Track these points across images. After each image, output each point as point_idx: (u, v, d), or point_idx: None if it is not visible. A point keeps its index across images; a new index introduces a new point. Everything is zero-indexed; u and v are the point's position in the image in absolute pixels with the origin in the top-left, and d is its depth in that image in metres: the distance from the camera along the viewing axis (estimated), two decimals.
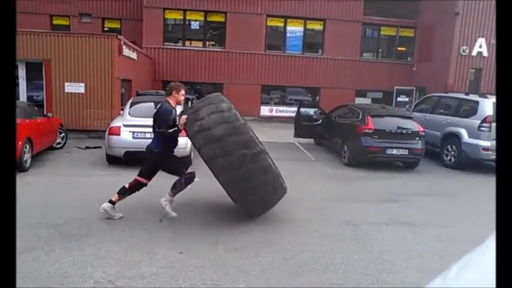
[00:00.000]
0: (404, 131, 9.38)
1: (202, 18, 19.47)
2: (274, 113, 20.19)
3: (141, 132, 8.10)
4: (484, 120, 9.56)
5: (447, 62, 17.81)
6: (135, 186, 5.27)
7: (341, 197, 6.94)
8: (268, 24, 19.77)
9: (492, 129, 9.46)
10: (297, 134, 12.06)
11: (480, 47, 17.72)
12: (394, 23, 20.61)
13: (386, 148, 9.19)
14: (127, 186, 5.26)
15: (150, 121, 8.11)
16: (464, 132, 9.92)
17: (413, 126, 9.57)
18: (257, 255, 4.27)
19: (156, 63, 18.94)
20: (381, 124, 9.35)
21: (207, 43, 19.95)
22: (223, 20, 19.35)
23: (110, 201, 5.17)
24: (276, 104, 20.53)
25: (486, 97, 10.12)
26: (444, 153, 10.48)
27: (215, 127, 4.73)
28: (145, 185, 5.34)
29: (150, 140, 5.52)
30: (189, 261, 4.02)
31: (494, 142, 9.47)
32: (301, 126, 11.94)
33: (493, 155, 9.63)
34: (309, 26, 20.13)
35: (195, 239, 4.61)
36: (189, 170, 5.40)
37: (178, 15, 19.37)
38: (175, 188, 5.28)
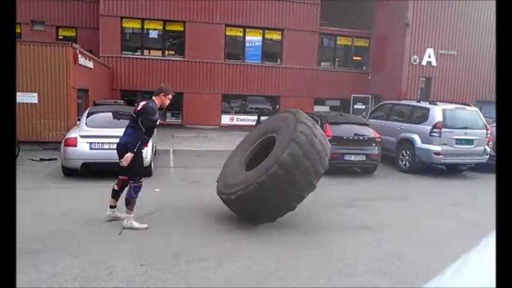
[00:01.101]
0: (361, 138, 9.68)
1: (161, 27, 19.30)
2: (235, 122, 20.24)
3: (99, 143, 7.88)
4: (434, 126, 10.03)
5: (400, 71, 18.59)
6: (124, 185, 5.41)
7: (302, 203, 7.03)
8: (227, 33, 19.88)
9: (442, 134, 9.95)
10: None
11: (429, 57, 18.66)
12: (349, 34, 21.28)
13: (345, 154, 9.43)
14: (116, 188, 5.45)
15: (108, 131, 8.02)
16: (417, 138, 10.35)
17: (369, 132, 9.89)
18: (220, 264, 4.26)
19: (114, 72, 18.55)
20: (339, 131, 9.60)
21: (166, 52, 19.78)
22: (182, 29, 19.25)
23: (111, 207, 5.46)
24: (237, 113, 20.59)
25: (436, 104, 10.65)
26: (399, 158, 10.89)
27: (318, 141, 5.34)
28: None
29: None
30: (150, 273, 3.95)
31: (444, 147, 9.97)
32: None
33: (443, 159, 10.14)
34: (267, 36, 20.42)
35: (156, 251, 4.53)
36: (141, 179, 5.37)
37: (136, 24, 19.10)
38: (130, 204, 5.24)
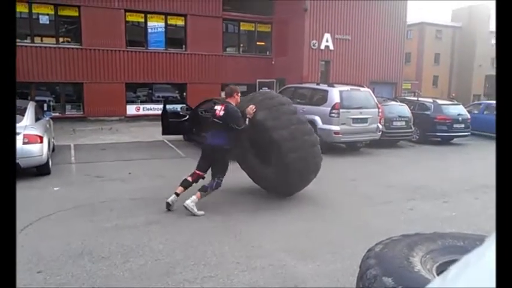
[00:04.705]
0: None
1: (53, 12, 17.74)
2: (141, 112, 19.55)
3: None
4: (333, 107, 10.69)
5: (301, 55, 19.38)
6: (196, 180, 5.81)
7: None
8: (127, 19, 18.96)
9: (340, 114, 10.64)
10: (165, 132, 11.90)
11: (327, 41, 19.71)
12: (252, 19, 21.56)
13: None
14: (190, 179, 5.75)
15: None
16: (318, 119, 10.94)
17: None
18: (127, 260, 4.15)
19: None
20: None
21: (61, 39, 18.32)
22: (77, 14, 17.91)
23: (176, 194, 5.67)
24: (143, 102, 19.91)
25: (334, 86, 11.32)
26: None
27: None
28: (203, 177, 5.84)
29: None
30: (48, 280, 3.70)
31: (343, 126, 10.68)
32: (169, 123, 11.80)
33: (343, 138, 10.87)
34: (170, 21, 19.87)
35: (56, 255, 4.26)
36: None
37: (23, 8, 17.25)
38: (205, 192, 5.65)
